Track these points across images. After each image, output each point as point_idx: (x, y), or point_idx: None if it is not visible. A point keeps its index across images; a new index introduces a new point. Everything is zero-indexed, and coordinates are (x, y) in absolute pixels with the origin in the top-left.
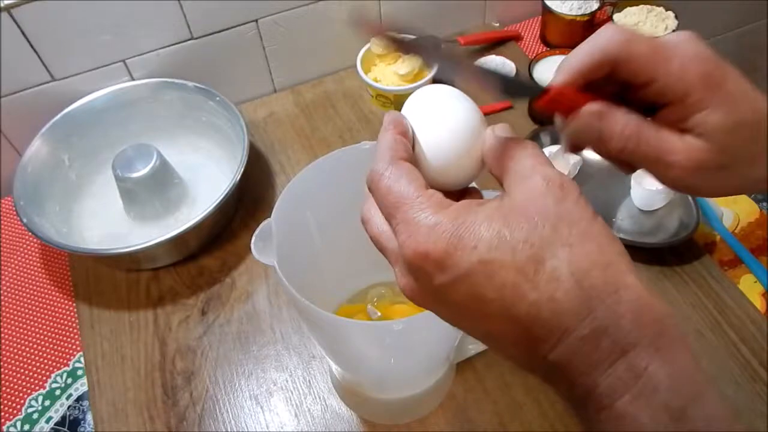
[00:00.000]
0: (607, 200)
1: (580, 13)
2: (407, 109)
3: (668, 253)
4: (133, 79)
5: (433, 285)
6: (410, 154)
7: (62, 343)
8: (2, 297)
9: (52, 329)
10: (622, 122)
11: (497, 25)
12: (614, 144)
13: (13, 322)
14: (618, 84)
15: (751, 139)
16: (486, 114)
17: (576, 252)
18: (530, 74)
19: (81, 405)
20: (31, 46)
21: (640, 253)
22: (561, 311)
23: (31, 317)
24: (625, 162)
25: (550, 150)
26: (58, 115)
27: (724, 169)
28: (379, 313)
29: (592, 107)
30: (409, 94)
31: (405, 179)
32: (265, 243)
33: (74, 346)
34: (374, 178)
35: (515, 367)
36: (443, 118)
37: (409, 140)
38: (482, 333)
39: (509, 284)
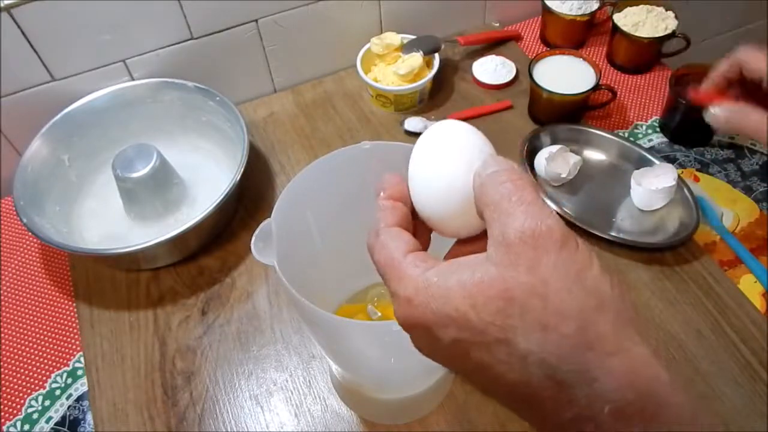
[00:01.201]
0: (607, 200)
1: (580, 13)
2: (414, 154)
3: (668, 253)
4: (133, 79)
5: (424, 348)
6: (402, 214)
7: (62, 343)
8: (2, 297)
9: (52, 329)
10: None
11: (497, 25)
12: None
13: (13, 322)
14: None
15: None
16: (486, 114)
17: (549, 337)
18: (530, 74)
19: (81, 405)
20: (31, 46)
21: (640, 253)
22: (540, 397)
23: (31, 317)
24: None
25: (550, 150)
26: (58, 115)
27: None
28: (379, 313)
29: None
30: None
31: (388, 250)
32: (265, 243)
33: (74, 346)
34: (369, 249)
35: None
36: (440, 167)
37: (404, 199)
38: (485, 392)
39: (485, 364)
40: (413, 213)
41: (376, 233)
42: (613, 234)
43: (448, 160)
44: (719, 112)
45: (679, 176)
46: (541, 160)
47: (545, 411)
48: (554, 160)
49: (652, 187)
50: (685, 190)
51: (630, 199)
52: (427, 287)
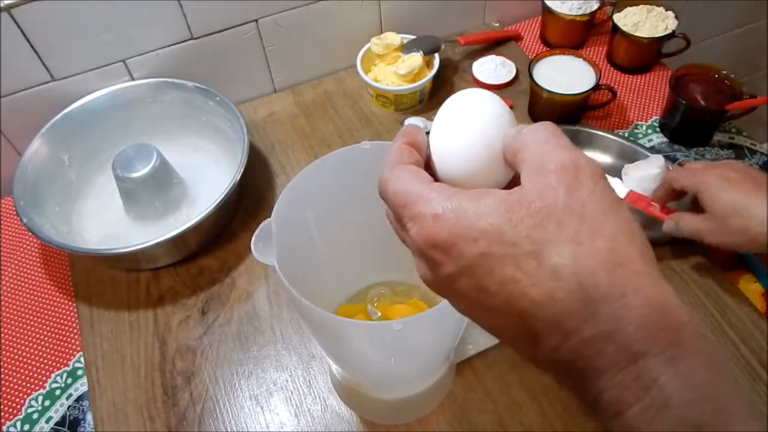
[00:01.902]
0: None
1: (580, 13)
2: (437, 119)
3: (668, 253)
4: (133, 79)
5: (442, 274)
6: (418, 159)
7: (62, 343)
8: (2, 297)
9: (52, 329)
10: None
11: (497, 25)
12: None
13: (13, 322)
14: None
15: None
16: None
17: (582, 250)
18: (530, 74)
19: (81, 405)
20: (31, 46)
21: None
22: (562, 312)
23: (31, 317)
24: None
25: None
26: (58, 115)
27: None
28: (379, 313)
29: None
30: (409, 93)
31: (409, 180)
32: (265, 243)
33: (74, 346)
34: (381, 187)
35: (515, 366)
36: (466, 125)
37: (420, 149)
38: (489, 325)
39: (509, 279)
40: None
41: (390, 167)
42: None
43: (476, 117)
44: (666, 225)
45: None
46: None
47: (564, 329)
48: None
49: (638, 174)
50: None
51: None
52: (459, 204)
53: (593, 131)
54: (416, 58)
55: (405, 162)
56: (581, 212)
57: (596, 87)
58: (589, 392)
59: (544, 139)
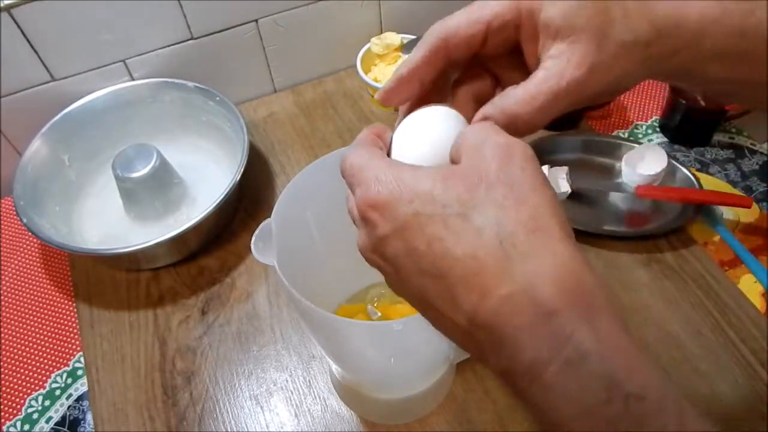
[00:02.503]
0: (604, 198)
1: None
2: (396, 134)
3: (668, 253)
4: (133, 79)
5: (376, 236)
6: (380, 147)
7: (62, 343)
8: (2, 297)
9: (52, 329)
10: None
11: None
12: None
13: (13, 322)
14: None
15: (603, 9)
16: None
17: (506, 214)
18: None
19: (81, 405)
20: (31, 46)
21: (639, 248)
22: (482, 270)
23: (31, 317)
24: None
25: (547, 169)
26: (58, 115)
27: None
28: (379, 313)
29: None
30: None
31: (364, 155)
32: (265, 243)
33: (74, 346)
34: (341, 164)
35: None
36: (424, 139)
37: (384, 141)
38: (414, 293)
39: (437, 238)
40: None
41: (351, 147)
42: (609, 228)
43: (432, 126)
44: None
45: (673, 159)
46: None
47: (483, 288)
48: (552, 181)
49: (644, 171)
50: (683, 171)
51: (625, 185)
52: (400, 171)
53: (587, 138)
54: None
55: (366, 143)
56: (510, 183)
57: None
58: (508, 355)
59: (481, 129)
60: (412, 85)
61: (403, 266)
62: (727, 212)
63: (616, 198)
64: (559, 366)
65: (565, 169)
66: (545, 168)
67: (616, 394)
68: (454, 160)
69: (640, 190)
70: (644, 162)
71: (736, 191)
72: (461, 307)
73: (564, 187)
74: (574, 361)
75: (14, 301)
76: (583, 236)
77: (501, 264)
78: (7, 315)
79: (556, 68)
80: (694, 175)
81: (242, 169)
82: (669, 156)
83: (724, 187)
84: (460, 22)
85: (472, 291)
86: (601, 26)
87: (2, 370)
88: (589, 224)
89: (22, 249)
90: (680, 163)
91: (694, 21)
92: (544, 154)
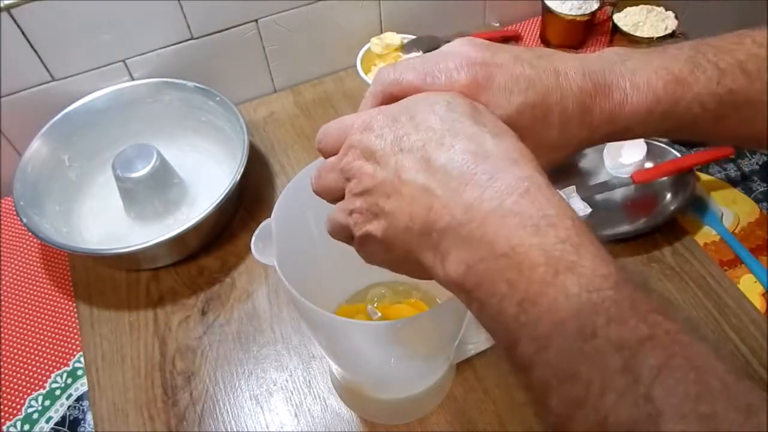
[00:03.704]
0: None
1: (580, 13)
2: None
3: (668, 253)
4: (133, 79)
5: (383, 143)
6: None
7: (62, 343)
8: (2, 297)
9: (52, 329)
10: None
11: (497, 25)
12: None
13: (13, 322)
14: None
15: (541, 117)
16: None
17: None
18: None
19: (81, 405)
20: (31, 46)
21: (639, 247)
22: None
23: (31, 317)
24: None
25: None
26: (58, 115)
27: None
28: (380, 314)
29: None
30: None
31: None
32: (265, 243)
33: (74, 346)
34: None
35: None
36: None
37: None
38: (392, 210)
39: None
40: None
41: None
42: (614, 231)
43: None
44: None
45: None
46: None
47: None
48: (573, 203)
49: (625, 160)
50: (661, 146)
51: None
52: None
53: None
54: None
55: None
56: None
57: None
58: (509, 244)
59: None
60: None
61: (385, 182)
62: (728, 212)
63: (614, 194)
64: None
65: (573, 188)
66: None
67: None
68: None
69: (636, 176)
70: (625, 151)
71: (737, 191)
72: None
73: (582, 210)
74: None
75: (14, 301)
76: None
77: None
78: (7, 315)
79: None
80: (668, 144)
81: (242, 169)
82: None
83: (724, 186)
84: (411, 82)
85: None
86: (540, 132)
87: (2, 370)
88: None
89: (22, 249)
90: (654, 140)
91: (623, 120)
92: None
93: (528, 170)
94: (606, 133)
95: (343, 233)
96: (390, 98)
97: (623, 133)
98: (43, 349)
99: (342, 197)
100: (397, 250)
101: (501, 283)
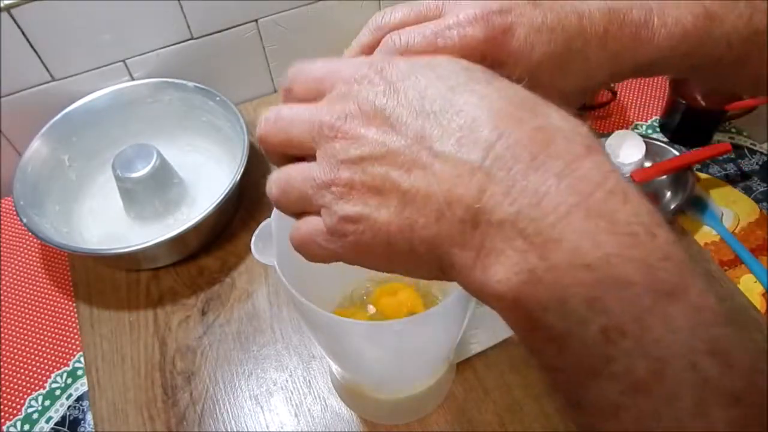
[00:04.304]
0: None
1: None
2: None
3: None
4: (133, 79)
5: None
6: None
7: (62, 343)
8: (2, 297)
9: (52, 329)
10: None
11: None
12: None
13: (13, 322)
14: None
15: (560, 66)
16: None
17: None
18: None
19: (81, 405)
20: (31, 46)
21: None
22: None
23: (31, 317)
24: None
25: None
26: (58, 115)
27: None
28: (374, 309)
29: None
30: None
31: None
32: (265, 243)
33: (74, 346)
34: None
35: (516, 366)
36: None
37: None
38: (413, 189)
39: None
40: None
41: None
42: None
43: None
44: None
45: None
46: None
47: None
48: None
49: (628, 159)
50: (660, 145)
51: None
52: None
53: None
54: None
55: None
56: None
57: None
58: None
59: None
60: None
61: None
62: (728, 212)
63: None
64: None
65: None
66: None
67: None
68: None
69: (635, 175)
70: (624, 150)
71: (737, 191)
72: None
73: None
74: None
75: (14, 301)
76: None
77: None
78: (7, 315)
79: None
80: (667, 143)
81: (242, 169)
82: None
83: (724, 186)
84: (397, 19)
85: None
86: (555, 82)
87: (2, 370)
88: None
89: (22, 249)
90: (653, 139)
91: (646, 58)
92: None
93: (607, 159)
94: (625, 75)
95: (295, 205)
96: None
97: (643, 72)
98: (43, 349)
99: (301, 158)
100: (406, 244)
101: (578, 301)
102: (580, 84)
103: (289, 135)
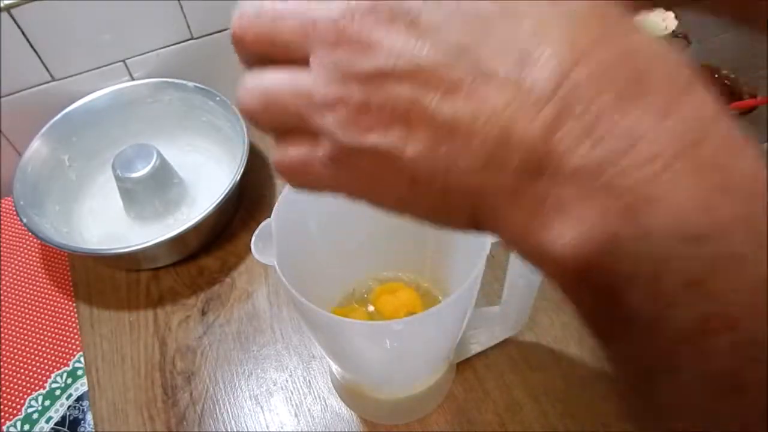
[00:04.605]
0: None
1: None
2: None
3: None
4: (133, 79)
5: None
6: None
7: (62, 343)
8: (2, 297)
9: (52, 329)
10: None
11: None
12: None
13: (13, 322)
14: None
15: None
16: None
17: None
18: None
19: (81, 405)
20: (31, 46)
21: None
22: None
23: (31, 317)
24: None
25: None
26: (58, 115)
27: None
28: (372, 308)
29: None
30: None
31: None
32: (265, 243)
33: (74, 346)
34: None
35: (515, 366)
36: None
37: None
38: (457, 118)
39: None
40: None
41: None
42: None
43: None
44: None
45: None
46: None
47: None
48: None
49: None
50: None
51: None
52: None
53: None
54: None
55: None
56: None
57: None
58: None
59: None
60: None
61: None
62: None
63: None
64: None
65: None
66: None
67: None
68: None
69: None
70: None
71: None
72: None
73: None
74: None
75: (14, 301)
76: None
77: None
78: (7, 315)
79: None
80: None
81: (242, 169)
82: None
83: None
84: None
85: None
86: None
87: (2, 370)
88: None
89: (22, 249)
90: None
91: None
92: None
93: (713, 97)
94: None
95: (280, 123)
96: None
97: None
98: (43, 349)
99: (285, 61)
100: (436, 189)
101: (676, 280)
102: None
103: (272, 32)
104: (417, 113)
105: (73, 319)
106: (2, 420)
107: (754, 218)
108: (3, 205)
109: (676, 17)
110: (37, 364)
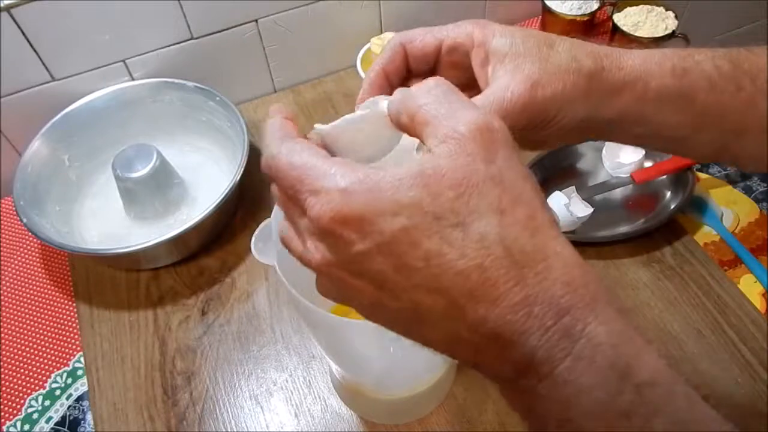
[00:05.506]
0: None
1: (580, 13)
2: (334, 130)
3: (668, 253)
4: (133, 79)
5: (350, 254)
6: (301, 136)
7: (62, 343)
8: (2, 297)
9: (52, 329)
10: None
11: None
12: None
13: (13, 322)
14: None
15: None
16: None
17: (506, 219)
18: None
19: (81, 405)
20: (31, 46)
21: (639, 249)
22: (490, 279)
23: (31, 317)
24: None
25: (566, 195)
26: (58, 115)
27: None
28: None
29: None
30: None
31: (305, 152)
32: (265, 243)
33: (74, 346)
34: (270, 162)
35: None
36: (371, 134)
37: (296, 126)
38: (406, 310)
39: (435, 253)
40: None
41: (279, 141)
42: (615, 231)
43: (378, 118)
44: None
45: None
46: (560, 207)
47: (491, 297)
48: (574, 204)
49: (628, 160)
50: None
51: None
52: (369, 177)
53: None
54: None
55: (294, 136)
56: (501, 181)
57: None
58: (517, 360)
59: (442, 96)
60: (383, 88)
61: (391, 282)
62: (728, 212)
63: (613, 194)
64: (572, 360)
65: (573, 189)
66: (555, 197)
67: (628, 383)
68: (405, 129)
69: (636, 176)
70: (624, 150)
71: (737, 191)
72: (465, 319)
73: (583, 210)
74: (587, 354)
75: (14, 301)
76: (589, 245)
77: (511, 272)
78: (7, 315)
79: (502, 82)
80: None
81: (242, 169)
82: None
83: (724, 186)
84: (417, 34)
85: (480, 302)
86: (545, 53)
87: (2, 370)
88: (590, 232)
89: (22, 249)
90: None
91: (637, 62)
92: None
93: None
94: (617, 85)
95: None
96: (402, 54)
97: (635, 88)
98: (43, 349)
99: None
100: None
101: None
102: (557, 86)
103: (276, 181)
104: (389, 285)
105: (73, 319)
106: (2, 420)
107: None
108: (3, 205)
109: (677, 17)
110: (37, 364)
